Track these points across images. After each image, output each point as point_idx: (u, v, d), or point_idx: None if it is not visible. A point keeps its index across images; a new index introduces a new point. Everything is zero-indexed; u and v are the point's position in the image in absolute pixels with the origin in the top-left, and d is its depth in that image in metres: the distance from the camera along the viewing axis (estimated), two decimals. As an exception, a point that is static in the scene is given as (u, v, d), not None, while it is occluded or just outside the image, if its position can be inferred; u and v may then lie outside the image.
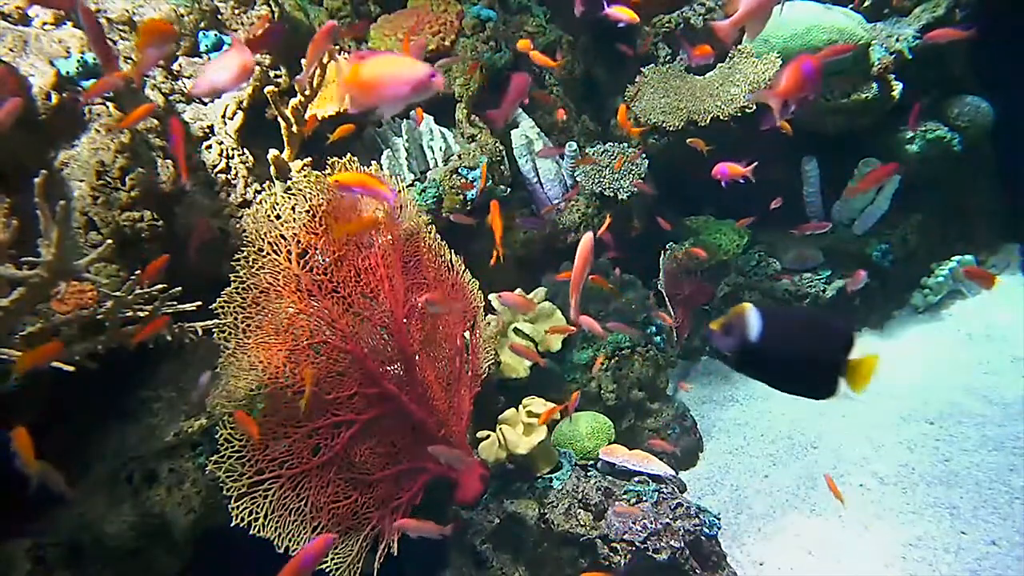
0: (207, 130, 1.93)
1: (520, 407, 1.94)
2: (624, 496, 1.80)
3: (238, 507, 1.51)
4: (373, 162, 1.85)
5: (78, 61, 1.65)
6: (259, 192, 1.93)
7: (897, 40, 2.66)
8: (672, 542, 1.69)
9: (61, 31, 1.71)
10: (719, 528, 1.82)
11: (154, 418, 1.70)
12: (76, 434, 1.67)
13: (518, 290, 2.31)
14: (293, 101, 1.91)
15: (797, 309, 2.70)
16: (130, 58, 1.82)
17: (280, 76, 2.08)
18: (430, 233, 1.89)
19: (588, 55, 2.92)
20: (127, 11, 1.87)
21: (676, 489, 1.88)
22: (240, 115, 1.95)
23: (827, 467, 2.19)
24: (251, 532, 1.51)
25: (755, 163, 2.06)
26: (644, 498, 1.79)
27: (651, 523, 1.72)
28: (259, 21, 2.09)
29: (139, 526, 1.60)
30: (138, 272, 1.47)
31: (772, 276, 2.80)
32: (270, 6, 2.13)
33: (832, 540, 1.95)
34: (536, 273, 2.49)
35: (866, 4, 2.81)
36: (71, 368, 1.34)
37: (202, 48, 2.00)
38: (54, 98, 1.58)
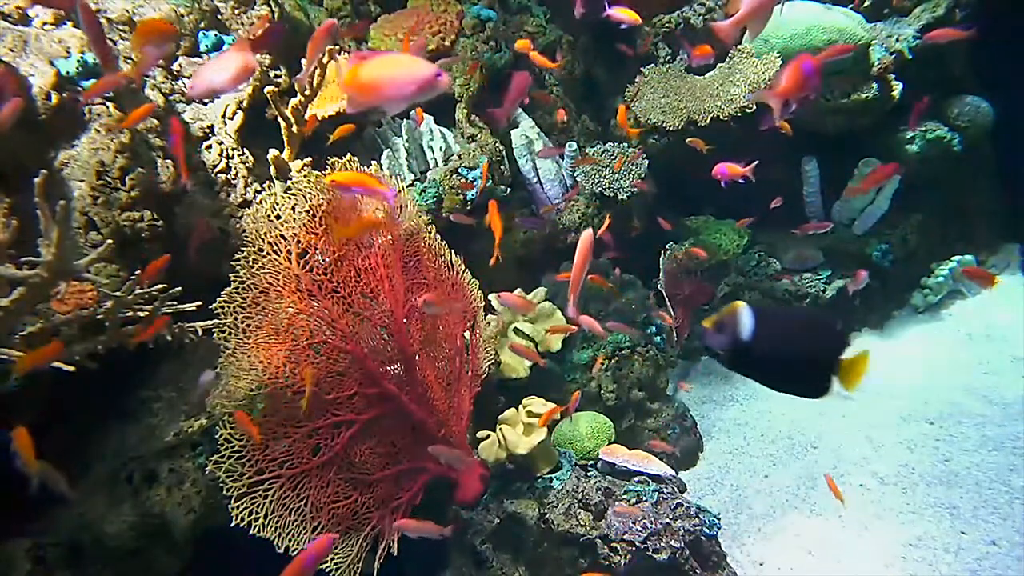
0: (207, 130, 1.93)
1: (520, 407, 1.94)
2: (624, 496, 1.80)
3: (238, 507, 1.51)
4: (373, 162, 1.85)
5: (78, 61, 1.65)
6: (259, 192, 1.93)
7: (897, 40, 2.66)
8: (672, 542, 1.69)
9: (61, 31, 1.71)
10: (719, 528, 1.82)
11: (154, 418, 1.70)
12: (76, 434, 1.67)
13: (518, 290, 2.31)
14: (293, 101, 1.91)
15: (790, 308, 2.70)
16: (130, 58, 1.81)
17: (280, 76, 2.08)
18: (430, 233, 1.89)
19: (588, 55, 2.92)
20: (127, 11, 1.87)
21: (676, 489, 1.88)
22: (240, 115, 1.95)
23: (827, 467, 2.19)
24: (251, 532, 1.51)
25: (755, 163, 2.06)
26: (644, 498, 1.79)
27: (651, 523, 1.72)
28: (259, 21, 2.09)
29: (139, 526, 1.60)
30: (138, 272, 1.47)
31: (772, 276, 2.80)
32: (270, 6, 2.13)
33: (832, 540, 1.95)
34: (536, 273, 2.49)
35: (866, 4, 2.81)
36: (71, 368, 1.34)
37: (202, 48, 2.00)
38: (54, 98, 1.58)
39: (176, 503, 1.62)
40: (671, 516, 1.75)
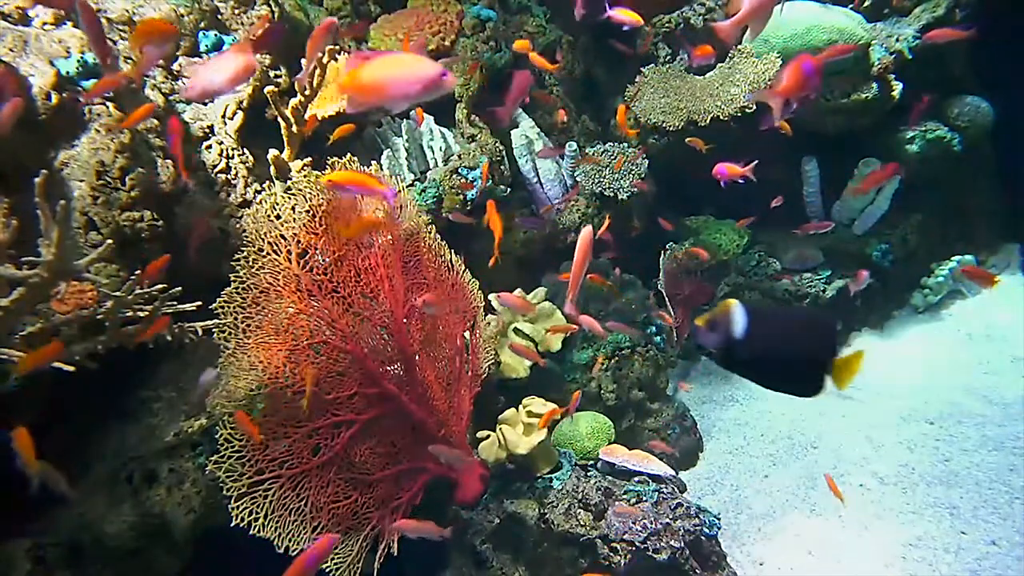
0: (207, 130, 1.93)
1: (520, 407, 1.94)
2: (624, 496, 1.80)
3: (238, 507, 1.51)
4: (373, 162, 1.85)
5: (78, 61, 1.65)
6: (259, 192, 1.93)
7: (897, 40, 2.66)
8: (672, 542, 1.69)
9: (61, 31, 1.71)
10: (719, 528, 1.82)
11: (154, 418, 1.70)
12: (76, 434, 1.67)
13: (518, 290, 2.31)
14: (293, 101, 1.91)
15: (783, 307, 2.70)
16: (130, 58, 1.81)
17: (280, 76, 2.08)
18: (430, 233, 1.89)
19: (588, 55, 2.92)
20: (127, 11, 1.87)
21: (676, 489, 1.88)
22: (240, 115, 1.95)
23: (827, 467, 2.19)
24: (251, 532, 1.51)
25: (755, 163, 2.06)
26: (644, 498, 1.79)
27: (651, 523, 1.72)
28: (259, 21, 2.09)
29: (139, 526, 1.60)
30: (138, 272, 1.47)
31: (772, 276, 2.80)
32: (270, 6, 2.13)
33: (832, 540, 1.95)
34: (536, 273, 2.49)
35: (866, 4, 2.81)
36: (71, 368, 1.34)
37: (202, 48, 2.00)
38: (54, 98, 1.58)
39: (176, 503, 1.62)
40: (671, 516, 1.75)
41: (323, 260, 1.64)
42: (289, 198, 1.63)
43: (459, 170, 2.31)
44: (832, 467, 2.19)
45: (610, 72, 2.93)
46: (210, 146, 1.92)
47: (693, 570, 1.71)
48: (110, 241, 1.48)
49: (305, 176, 1.68)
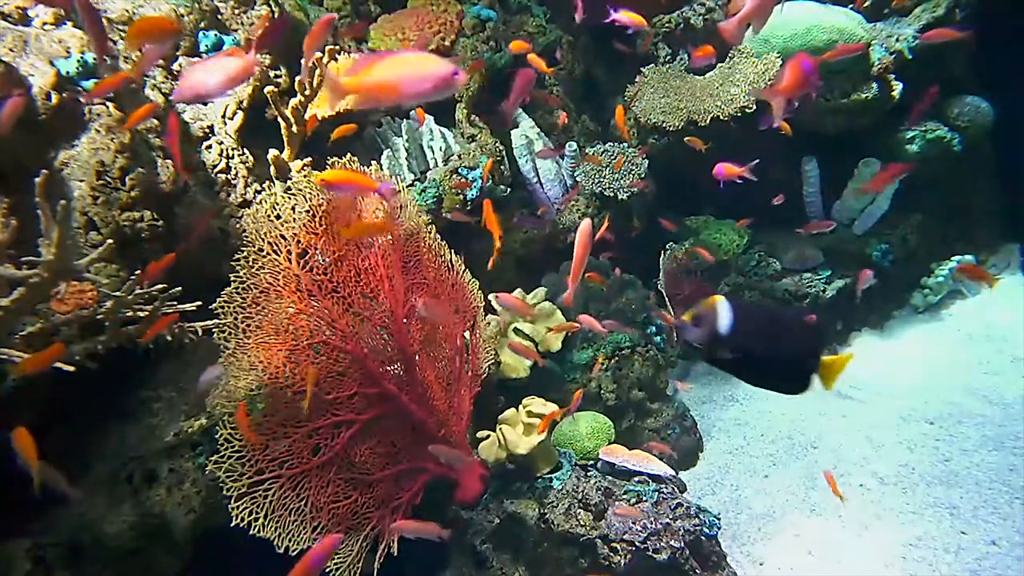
0: (207, 130, 1.93)
1: (520, 407, 1.94)
2: (624, 496, 1.80)
3: (238, 507, 1.51)
4: (373, 162, 1.85)
5: (78, 61, 1.65)
6: (259, 192, 1.93)
7: (897, 40, 2.66)
8: (672, 542, 1.69)
9: (61, 31, 1.71)
10: (719, 528, 1.82)
11: (154, 418, 1.70)
12: (76, 434, 1.67)
13: (518, 290, 2.31)
14: (293, 101, 1.91)
15: (769, 304, 2.70)
16: (130, 58, 1.81)
17: (280, 76, 2.08)
18: (430, 233, 1.89)
19: (588, 55, 2.92)
20: (127, 11, 1.87)
21: (676, 489, 1.88)
22: (240, 115, 1.95)
23: (827, 467, 2.19)
24: (251, 532, 1.51)
25: (755, 162, 2.06)
26: (644, 498, 1.79)
27: (651, 523, 1.72)
28: (259, 21, 2.09)
29: (139, 526, 1.60)
30: (138, 272, 1.47)
31: (772, 276, 2.80)
32: (270, 6, 2.13)
33: (832, 540, 1.95)
34: (536, 273, 2.49)
35: (866, 4, 2.81)
36: (71, 368, 1.34)
37: (202, 48, 2.00)
38: (54, 98, 1.58)
39: (176, 503, 1.62)
40: (671, 516, 1.75)
41: (323, 260, 1.64)
42: (289, 198, 1.63)
43: (459, 170, 2.31)
44: (832, 467, 2.19)
45: (610, 72, 2.93)
46: (210, 146, 1.92)
47: (693, 570, 1.71)
48: (110, 241, 1.48)
49: (305, 176, 1.68)
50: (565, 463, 1.92)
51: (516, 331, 2.24)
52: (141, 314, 1.49)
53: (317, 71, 1.90)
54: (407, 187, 2.15)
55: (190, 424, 1.66)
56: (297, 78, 1.93)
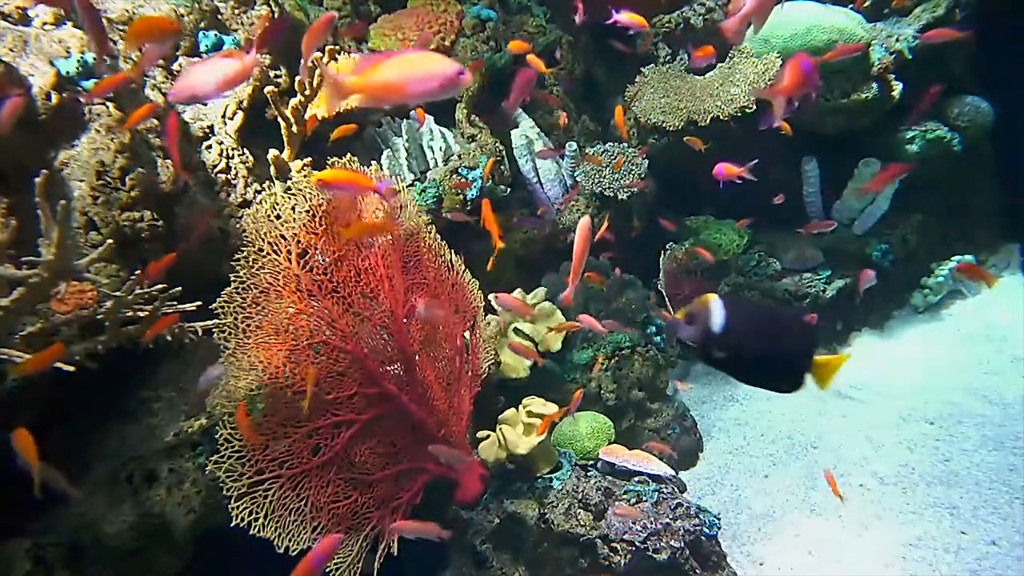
0: (207, 130, 1.93)
1: (520, 407, 1.94)
2: (624, 496, 1.80)
3: (238, 507, 1.51)
4: (373, 162, 1.85)
5: (78, 61, 1.65)
6: (259, 192, 1.93)
7: (897, 40, 2.66)
8: (672, 542, 1.69)
9: (61, 31, 1.71)
10: (719, 528, 1.82)
11: (154, 418, 1.70)
12: (76, 434, 1.67)
13: (518, 291, 2.31)
14: (293, 101, 1.91)
15: (763, 303, 2.70)
16: (130, 58, 1.82)
17: (280, 76, 2.08)
18: (430, 233, 1.89)
19: (588, 55, 2.92)
20: (127, 11, 1.87)
21: (676, 489, 1.88)
22: (240, 115, 1.95)
23: (827, 467, 2.19)
24: (251, 532, 1.51)
25: (755, 161, 2.06)
26: (644, 498, 1.79)
27: (651, 523, 1.72)
28: (259, 21, 2.09)
29: (139, 526, 1.60)
30: (138, 272, 1.47)
31: (772, 276, 2.80)
32: (270, 6, 2.13)
33: (832, 540, 1.95)
34: (536, 273, 2.49)
35: (866, 4, 2.81)
36: (71, 368, 1.34)
37: (202, 48, 2.00)
38: (54, 98, 1.58)
39: (176, 503, 1.62)
40: (671, 516, 1.75)
41: (323, 260, 1.64)
42: (289, 198, 1.63)
43: (459, 170, 2.31)
44: (832, 467, 2.19)
45: (610, 72, 2.93)
46: (210, 146, 1.92)
47: (693, 570, 1.71)
48: (110, 241, 1.48)
49: (305, 176, 1.68)
50: (565, 463, 1.92)
51: (516, 331, 2.24)
52: (141, 314, 1.49)
53: (317, 71, 1.90)
54: (407, 187, 2.15)
55: (190, 424, 1.66)
56: (297, 78, 1.93)
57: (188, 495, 1.64)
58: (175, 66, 1.96)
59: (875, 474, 2.13)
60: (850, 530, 1.97)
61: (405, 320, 1.75)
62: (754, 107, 2.41)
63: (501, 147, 2.45)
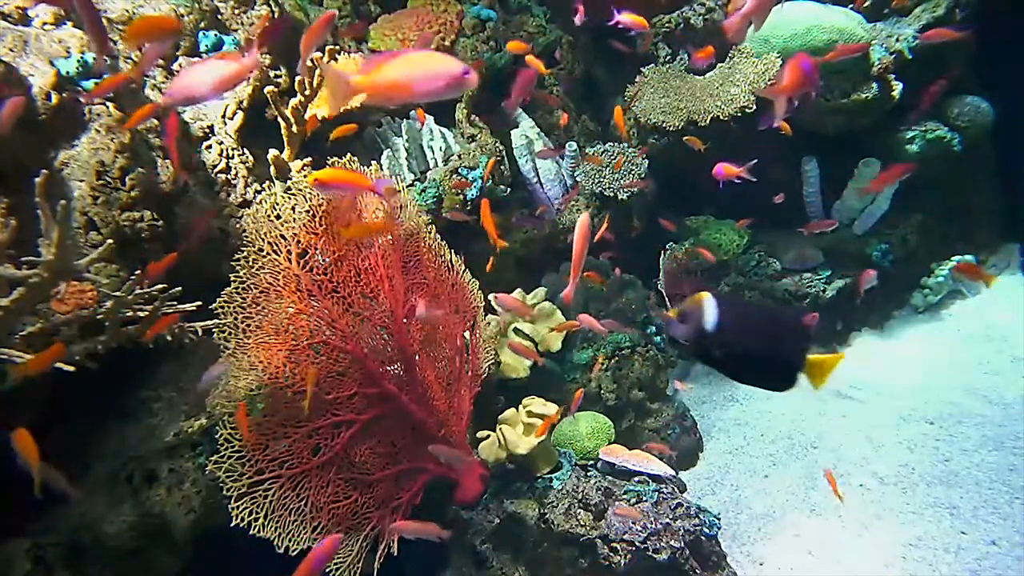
0: (207, 130, 1.93)
1: (520, 407, 1.94)
2: (624, 496, 1.80)
3: (238, 507, 1.51)
4: (373, 162, 1.85)
5: (78, 61, 1.65)
6: (259, 192, 1.93)
7: (897, 40, 2.66)
8: (672, 542, 1.69)
9: (61, 31, 1.71)
10: (719, 528, 1.82)
11: (154, 418, 1.70)
12: (76, 434, 1.67)
13: (518, 291, 2.31)
14: (293, 101, 1.91)
15: (756, 302, 2.70)
16: (130, 58, 1.82)
17: (280, 76, 2.08)
18: (430, 233, 1.89)
19: (588, 55, 2.92)
20: (127, 11, 1.87)
21: (676, 489, 1.88)
22: (240, 115, 1.95)
23: (827, 467, 2.19)
24: (251, 532, 1.51)
25: (755, 161, 2.06)
26: (644, 498, 1.79)
27: (651, 523, 1.72)
28: (259, 21, 2.09)
29: (139, 526, 1.60)
30: (138, 272, 1.47)
31: (772, 276, 2.80)
32: (270, 6, 2.13)
33: (832, 540, 1.95)
34: (536, 273, 2.49)
35: (866, 4, 2.81)
36: (71, 368, 1.34)
37: (202, 48, 2.00)
38: (54, 98, 1.58)
39: (176, 503, 1.62)
40: (671, 516, 1.75)
41: (323, 260, 1.64)
42: (289, 198, 1.63)
43: (459, 170, 2.31)
44: (832, 467, 2.19)
45: (610, 72, 2.93)
46: (210, 146, 1.92)
47: (693, 570, 1.71)
48: (110, 241, 1.48)
49: (305, 176, 1.68)
50: (565, 463, 1.92)
51: (516, 331, 2.24)
52: (141, 314, 1.49)
53: (317, 71, 1.90)
54: (407, 187, 2.15)
55: (190, 424, 1.66)
56: (297, 78, 1.93)
57: (188, 495, 1.64)
58: (175, 66, 1.96)
59: (875, 474, 2.13)
60: (850, 530, 1.97)
61: (405, 320, 1.75)
62: (754, 107, 2.41)
63: (501, 147, 2.45)
